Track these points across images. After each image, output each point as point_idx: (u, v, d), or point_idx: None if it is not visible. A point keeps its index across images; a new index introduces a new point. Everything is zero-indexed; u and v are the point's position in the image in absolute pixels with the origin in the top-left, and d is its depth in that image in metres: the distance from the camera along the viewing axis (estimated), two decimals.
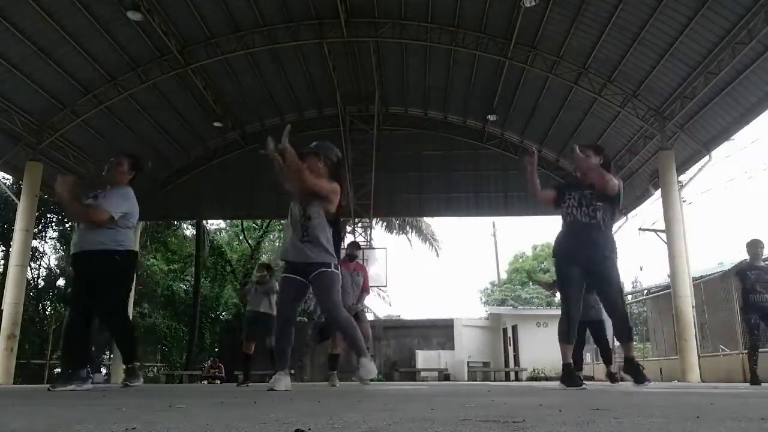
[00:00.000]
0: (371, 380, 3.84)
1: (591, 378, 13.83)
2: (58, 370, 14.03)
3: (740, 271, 7.03)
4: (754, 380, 6.73)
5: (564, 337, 4.44)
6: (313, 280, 3.96)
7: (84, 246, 4.27)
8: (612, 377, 7.55)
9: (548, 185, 4.79)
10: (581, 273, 4.41)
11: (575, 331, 4.46)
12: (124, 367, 4.44)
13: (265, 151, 3.95)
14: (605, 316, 7.39)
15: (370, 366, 3.95)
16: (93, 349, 6.98)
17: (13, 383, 11.79)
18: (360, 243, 15.21)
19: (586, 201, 4.34)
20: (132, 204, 4.48)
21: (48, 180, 13.93)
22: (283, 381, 3.89)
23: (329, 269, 3.94)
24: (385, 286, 16.89)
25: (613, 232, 4.45)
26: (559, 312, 4.61)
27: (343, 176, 4.32)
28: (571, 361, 4.55)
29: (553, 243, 4.73)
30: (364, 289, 7.46)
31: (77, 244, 4.33)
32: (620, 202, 4.40)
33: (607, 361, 7.52)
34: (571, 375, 4.46)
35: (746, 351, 7.79)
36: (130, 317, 8.92)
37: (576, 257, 4.38)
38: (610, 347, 7.72)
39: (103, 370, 20.39)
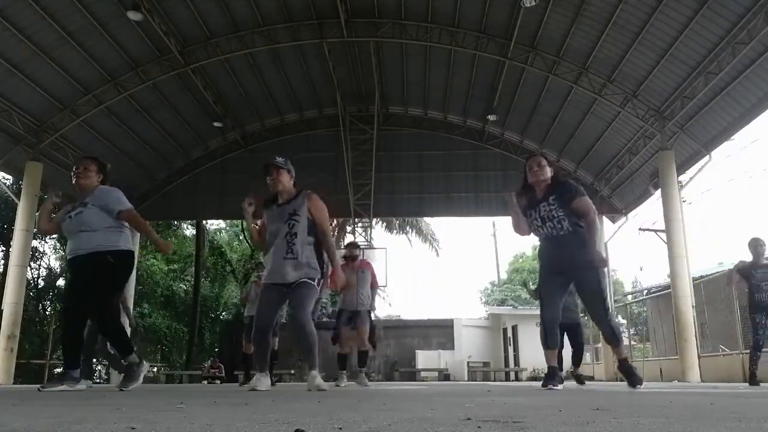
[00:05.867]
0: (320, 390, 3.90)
1: (591, 378, 13.83)
2: (58, 370, 14.04)
3: (742, 269, 6.98)
4: (753, 381, 6.69)
5: (542, 343, 4.52)
6: (293, 289, 4.08)
7: (79, 251, 4.22)
8: (578, 379, 7.70)
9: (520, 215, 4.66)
10: (562, 281, 4.49)
11: (553, 335, 4.49)
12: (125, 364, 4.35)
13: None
14: (582, 320, 7.63)
15: (317, 380, 4.00)
16: (98, 351, 6.92)
17: (13, 383, 11.79)
18: (360, 243, 15.19)
19: (548, 215, 4.34)
20: (127, 201, 4.34)
21: (48, 180, 13.95)
22: (264, 381, 4.10)
23: (311, 281, 4.08)
24: (385, 286, 16.90)
25: (585, 233, 4.32)
26: None
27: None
28: (555, 364, 4.62)
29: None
30: (373, 285, 7.32)
31: (73, 249, 4.27)
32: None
33: (577, 363, 7.79)
34: (550, 376, 4.55)
35: (747, 351, 7.76)
36: (131, 317, 8.93)
37: (556, 266, 4.44)
38: (583, 351, 8.11)
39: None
